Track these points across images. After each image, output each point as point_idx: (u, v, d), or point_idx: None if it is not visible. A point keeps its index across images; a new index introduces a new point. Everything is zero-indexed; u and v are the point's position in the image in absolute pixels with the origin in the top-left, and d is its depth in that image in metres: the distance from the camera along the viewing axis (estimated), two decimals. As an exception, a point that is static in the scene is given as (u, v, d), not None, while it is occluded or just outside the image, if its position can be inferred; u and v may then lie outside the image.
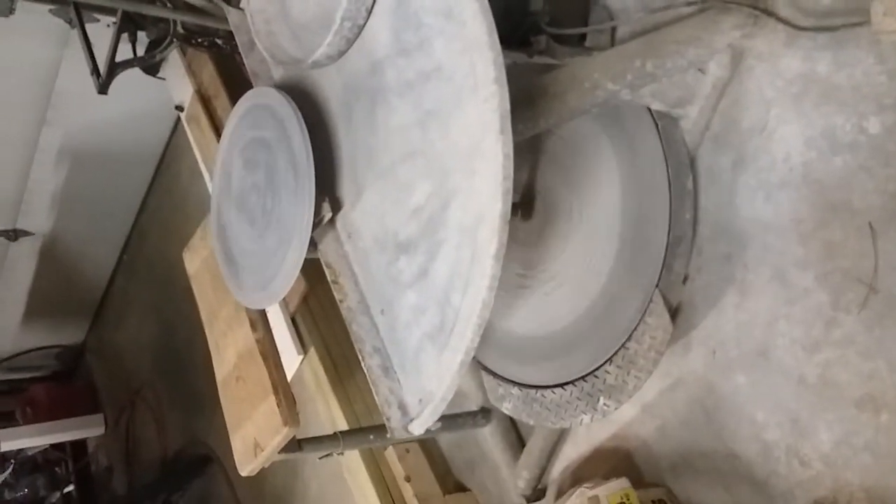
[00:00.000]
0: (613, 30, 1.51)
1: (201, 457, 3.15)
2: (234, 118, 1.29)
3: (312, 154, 1.12)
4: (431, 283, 1.00)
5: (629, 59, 1.29)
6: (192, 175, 3.07)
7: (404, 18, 1.05)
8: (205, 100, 2.67)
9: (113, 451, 3.87)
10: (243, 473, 1.47)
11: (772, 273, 1.31)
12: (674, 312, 1.37)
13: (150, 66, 2.63)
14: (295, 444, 1.46)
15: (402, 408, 1.04)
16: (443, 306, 0.97)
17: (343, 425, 1.96)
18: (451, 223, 0.97)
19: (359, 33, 1.13)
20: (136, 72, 2.56)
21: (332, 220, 1.18)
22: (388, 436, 1.45)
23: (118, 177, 3.49)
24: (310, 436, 1.55)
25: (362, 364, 1.09)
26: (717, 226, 1.40)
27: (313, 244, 1.17)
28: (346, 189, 1.17)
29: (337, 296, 1.14)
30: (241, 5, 1.40)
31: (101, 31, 2.34)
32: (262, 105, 1.23)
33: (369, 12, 1.11)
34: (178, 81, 2.78)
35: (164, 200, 3.53)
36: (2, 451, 3.35)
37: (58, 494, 3.63)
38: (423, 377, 1.02)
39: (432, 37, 1.00)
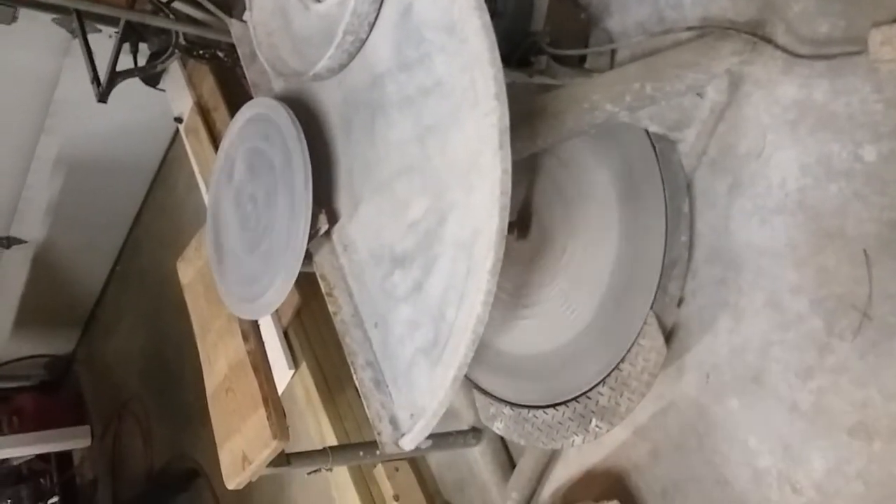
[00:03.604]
0: (613, 52, 1.53)
1: (188, 471, 3.12)
2: (234, 127, 1.29)
3: (310, 166, 1.12)
4: (426, 298, 0.99)
5: (628, 82, 1.29)
6: (189, 188, 3.07)
7: (406, 33, 1.06)
8: (204, 112, 2.67)
9: (98, 464, 3.82)
10: (230, 487, 1.45)
11: (766, 298, 1.31)
12: (668, 335, 1.37)
13: (151, 78, 2.64)
14: (283, 459, 1.44)
15: (394, 422, 1.04)
16: (437, 321, 0.97)
17: (332, 442, 1.94)
18: (447, 238, 0.97)
19: (360, 47, 1.14)
20: (135, 84, 2.57)
21: (328, 233, 1.18)
22: (378, 452, 1.43)
23: (114, 187, 3.49)
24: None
25: (354, 377, 1.08)
26: (712, 249, 1.40)
27: (308, 256, 1.17)
28: (342, 202, 1.17)
29: (331, 308, 1.13)
30: (244, 17, 1.41)
31: (103, 41, 2.35)
32: (262, 115, 1.23)
33: (371, 26, 1.11)
34: (177, 93, 2.79)
35: (159, 212, 3.52)
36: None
37: (40, 507, 3.58)
38: (416, 392, 1.01)
39: (433, 52, 1.01)
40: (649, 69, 1.32)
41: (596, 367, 1.41)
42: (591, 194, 1.45)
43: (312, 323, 2.19)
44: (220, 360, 1.52)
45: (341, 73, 1.18)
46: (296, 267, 1.11)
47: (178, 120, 2.80)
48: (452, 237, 0.96)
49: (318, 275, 1.18)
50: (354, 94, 1.16)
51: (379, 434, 1.04)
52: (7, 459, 3.55)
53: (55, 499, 3.59)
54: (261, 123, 1.24)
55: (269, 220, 1.19)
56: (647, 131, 1.37)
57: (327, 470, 1.61)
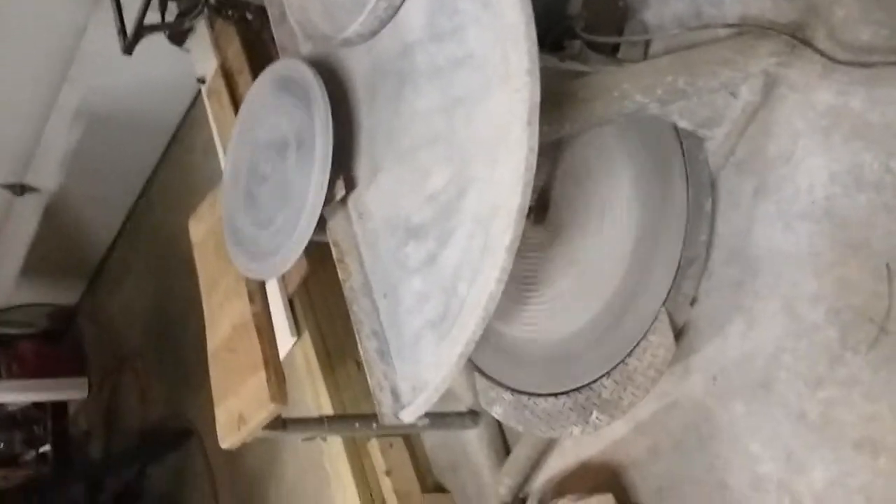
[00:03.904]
0: (647, 45, 1.50)
1: (181, 431, 3.12)
2: (258, 86, 1.28)
3: (332, 130, 1.11)
4: (439, 271, 0.98)
5: (661, 74, 1.27)
6: (206, 151, 3.05)
7: (440, 3, 1.04)
8: (228, 75, 2.65)
9: (93, 416, 3.83)
10: (224, 446, 1.45)
11: (782, 304, 1.29)
12: (678, 333, 1.35)
13: (177, 36, 2.63)
14: (279, 423, 1.43)
15: (395, 394, 1.02)
16: (448, 295, 0.96)
17: (329, 412, 1.94)
18: (465, 211, 0.95)
19: (393, 15, 1.12)
20: (161, 43, 2.56)
21: (343, 199, 1.16)
22: (375, 424, 1.43)
23: (131, 143, 3.47)
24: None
25: (359, 346, 1.07)
26: (731, 251, 1.38)
27: (322, 221, 1.15)
28: (361, 169, 1.16)
29: (341, 275, 1.12)
30: (277, -24, 1.39)
31: (132, -3, 2.34)
32: (288, 76, 1.21)
33: (405, -7, 1.09)
34: (202, 54, 2.76)
35: (175, 172, 3.51)
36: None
37: (33, 453, 3.59)
38: (420, 365, 1.00)
39: (467, 23, 0.99)
40: (684, 63, 1.30)
41: (601, 359, 1.40)
42: (611, 185, 1.43)
43: (318, 292, 2.18)
44: (224, 320, 1.52)
45: (371, 39, 1.16)
46: (309, 230, 1.10)
47: (201, 81, 2.78)
48: (471, 211, 0.94)
49: (330, 241, 1.17)
50: (383, 62, 1.14)
51: (379, 404, 1.03)
52: (3, 404, 3.57)
53: (47, 447, 3.60)
54: (285, 83, 1.22)
55: (286, 181, 1.17)
56: (675, 126, 1.35)
57: (322, 439, 1.61)
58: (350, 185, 1.15)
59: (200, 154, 3.19)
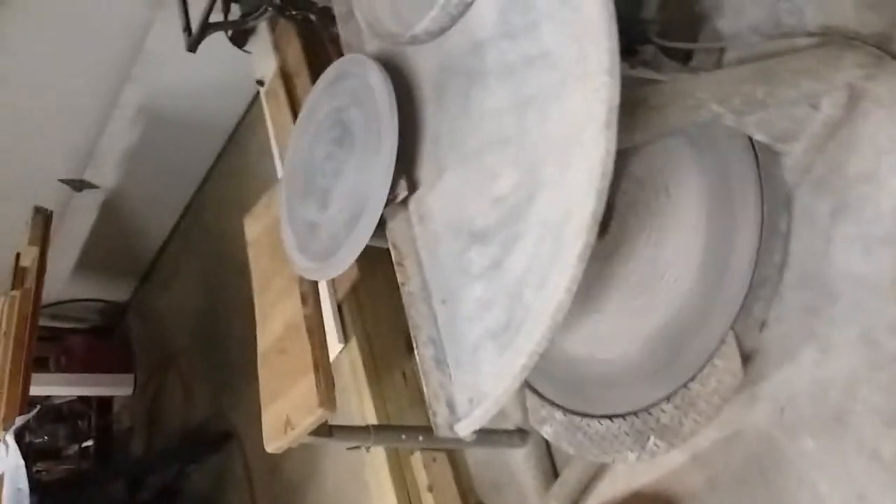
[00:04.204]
0: (721, 53, 1.44)
1: (223, 433, 3.12)
2: (323, 82, 1.26)
3: (398, 129, 1.08)
4: (503, 278, 0.93)
5: (739, 83, 1.21)
6: (261, 153, 3.06)
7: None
8: (286, 77, 2.66)
9: (137, 414, 3.87)
10: (269, 450, 1.42)
11: (860, 333, 1.21)
12: (745, 358, 1.28)
13: (238, 37, 2.65)
14: (326, 429, 1.40)
15: (451, 405, 0.98)
16: (512, 303, 0.91)
17: (373, 422, 1.90)
18: (534, 216, 0.91)
19: (464, 11, 1.08)
20: (222, 45, 2.58)
21: (405, 200, 1.13)
22: (421, 437, 1.39)
23: (189, 143, 3.52)
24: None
25: (416, 353, 1.03)
26: (805, 274, 1.30)
27: (382, 222, 1.12)
28: (425, 170, 1.12)
29: (399, 278, 1.08)
30: (345, -26, 1.37)
31: (196, -3, 2.36)
32: (353, 72, 1.19)
33: (479, -9, 1.06)
34: (262, 56, 2.79)
35: (229, 174, 3.54)
36: (31, 395, 3.37)
37: (76, 447, 3.63)
38: (479, 376, 0.95)
39: (541, 20, 0.95)
40: (763, 72, 1.23)
41: (661, 382, 1.33)
42: (680, 198, 1.37)
43: (367, 300, 2.15)
44: (276, 320, 1.49)
45: (440, 37, 1.13)
46: (368, 231, 1.07)
47: (260, 83, 2.80)
48: (541, 216, 0.89)
49: (389, 243, 1.13)
50: (451, 60, 1.11)
51: (434, 415, 0.99)
52: (50, 397, 3.62)
53: (90, 442, 3.64)
54: (351, 80, 1.20)
55: (347, 180, 1.15)
56: (750, 139, 1.29)
57: (366, 449, 1.57)
58: (413, 186, 1.11)
59: (256, 155, 3.21)
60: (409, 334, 2.23)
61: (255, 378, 1.57)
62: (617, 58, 0.83)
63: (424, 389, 1.02)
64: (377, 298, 2.17)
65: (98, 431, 3.79)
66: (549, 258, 0.86)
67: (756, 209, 1.28)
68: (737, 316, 1.28)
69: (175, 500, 3.20)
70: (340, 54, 1.43)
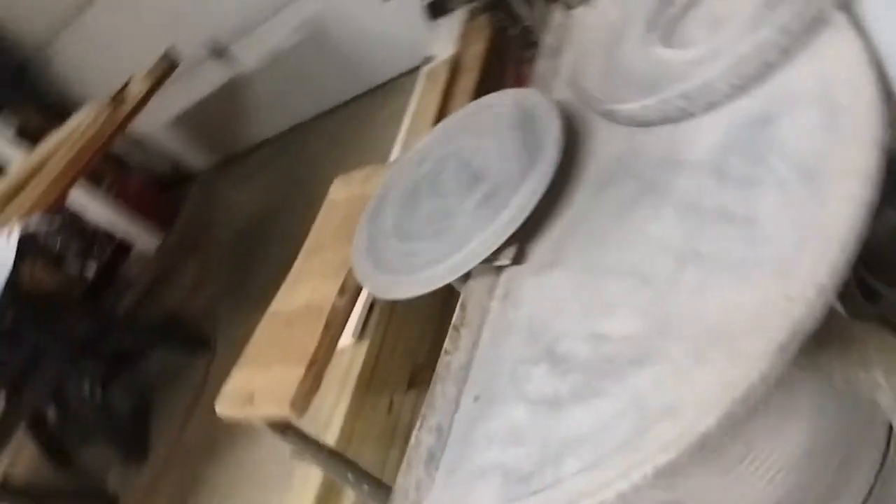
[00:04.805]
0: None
1: (203, 340, 3.03)
2: (494, 101, 1.11)
3: (540, 195, 0.92)
4: (552, 425, 0.76)
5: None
6: (388, 120, 2.97)
7: (745, 141, 0.83)
8: (455, 68, 2.55)
9: (143, 276, 3.82)
10: (217, 409, 1.28)
11: None
12: None
13: (435, 9, 2.56)
14: (281, 426, 1.25)
15: (415, 513, 0.81)
16: (545, 461, 0.73)
17: (335, 435, 1.74)
18: (630, 385, 0.73)
19: (681, 119, 0.91)
20: (413, 7, 2.50)
21: (501, 268, 0.96)
22: (366, 487, 1.22)
23: (333, 75, 3.48)
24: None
25: (415, 432, 0.87)
26: None
27: (466, 275, 0.96)
28: (540, 251, 0.95)
29: (447, 344, 0.92)
30: (578, 9, 1.23)
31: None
32: (531, 111, 1.03)
33: (710, 108, 0.89)
34: (445, 37, 2.68)
35: (351, 120, 3.47)
36: (68, 202, 3.35)
37: (77, 270, 3.60)
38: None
39: (768, 182, 0.77)
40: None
41: None
42: (781, 430, 1.16)
43: (401, 313, 2.00)
44: (304, 290, 1.35)
45: (639, 128, 0.96)
46: (448, 277, 0.91)
47: (428, 60, 2.70)
48: (638, 391, 0.71)
49: (460, 301, 0.97)
50: (636, 159, 0.94)
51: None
52: (81, 214, 3.60)
53: (91, 274, 3.60)
54: (523, 116, 1.04)
55: (457, 214, 0.99)
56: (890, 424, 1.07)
57: (308, 464, 1.41)
58: (518, 260, 0.95)
59: (383, 120, 3.12)
60: (417, 366, 2.06)
61: (257, 320, 1.43)
62: (837, 280, 0.65)
63: (398, 477, 0.85)
64: (411, 318, 2.03)
65: (103, 268, 3.76)
66: (619, 444, 0.68)
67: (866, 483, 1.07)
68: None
69: (125, 370, 3.11)
70: (516, 77, 1.28)
